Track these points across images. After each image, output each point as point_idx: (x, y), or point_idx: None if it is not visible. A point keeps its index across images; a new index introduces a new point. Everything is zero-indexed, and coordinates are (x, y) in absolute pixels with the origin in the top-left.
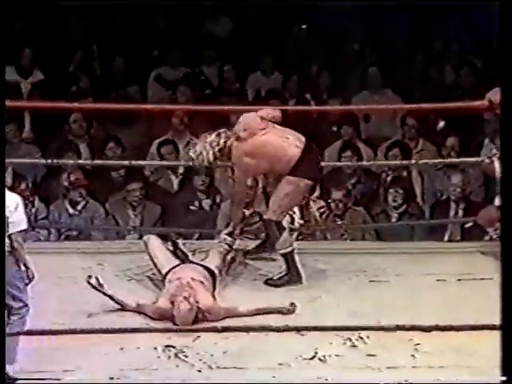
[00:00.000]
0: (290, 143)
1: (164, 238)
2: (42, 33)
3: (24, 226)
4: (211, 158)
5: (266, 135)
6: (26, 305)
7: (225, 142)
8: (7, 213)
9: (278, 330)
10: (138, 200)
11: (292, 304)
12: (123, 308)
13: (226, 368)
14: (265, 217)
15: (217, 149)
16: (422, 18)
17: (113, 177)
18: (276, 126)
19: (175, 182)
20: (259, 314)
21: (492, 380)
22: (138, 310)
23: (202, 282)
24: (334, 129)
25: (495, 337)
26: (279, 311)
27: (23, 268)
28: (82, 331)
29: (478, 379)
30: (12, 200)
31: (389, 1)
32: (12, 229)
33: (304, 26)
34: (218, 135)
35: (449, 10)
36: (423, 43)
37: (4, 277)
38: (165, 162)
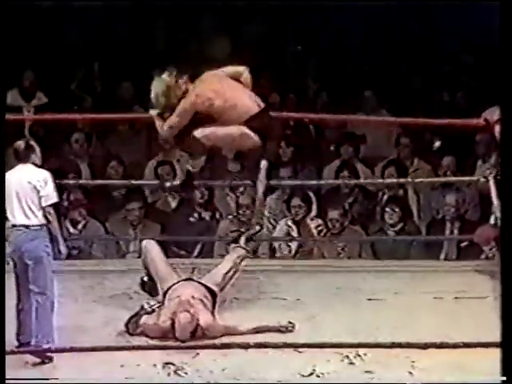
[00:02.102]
0: (252, 99)
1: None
2: (43, 52)
3: (55, 199)
4: (160, 99)
5: (230, 82)
6: (51, 282)
7: (181, 84)
8: (38, 187)
9: (276, 346)
10: (138, 219)
11: (290, 322)
12: (128, 331)
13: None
14: (195, 133)
15: (167, 90)
16: (420, 35)
17: (113, 196)
18: (241, 85)
19: (173, 203)
20: (258, 333)
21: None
22: (141, 331)
23: (201, 301)
24: (332, 148)
25: (492, 354)
26: (278, 329)
27: (49, 244)
28: (82, 349)
29: None
30: (41, 175)
31: (386, 11)
32: (44, 202)
33: (299, 47)
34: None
35: (446, 27)
36: (420, 63)
37: (4, 277)
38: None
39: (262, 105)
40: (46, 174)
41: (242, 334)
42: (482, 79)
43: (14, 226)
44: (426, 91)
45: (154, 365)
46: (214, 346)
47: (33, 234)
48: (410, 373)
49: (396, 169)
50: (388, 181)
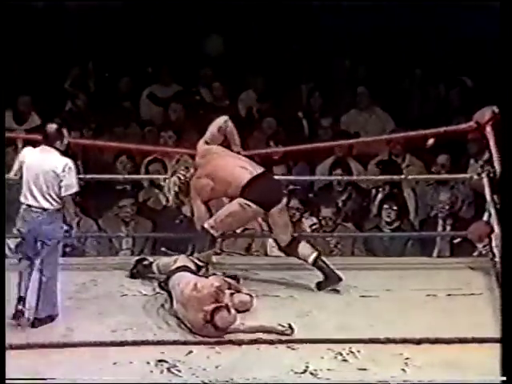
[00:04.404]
0: (244, 168)
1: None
2: (37, 52)
3: (75, 188)
4: (171, 197)
5: (220, 160)
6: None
7: (184, 179)
8: (61, 176)
9: (269, 342)
10: (130, 216)
11: (290, 326)
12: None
13: (218, 382)
14: (204, 225)
15: (177, 188)
16: (414, 34)
17: (106, 193)
18: (235, 154)
19: (163, 200)
20: (257, 332)
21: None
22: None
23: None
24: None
25: (485, 351)
26: (277, 332)
27: (66, 226)
28: (75, 345)
29: None
30: (66, 164)
31: (380, 16)
32: (64, 192)
33: (294, 46)
34: (178, 175)
35: (441, 26)
36: (414, 61)
37: (4, 277)
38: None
39: (256, 171)
40: (70, 164)
41: (241, 332)
42: (477, 77)
43: (29, 206)
44: (420, 88)
45: (147, 362)
46: (208, 343)
47: (51, 218)
48: (404, 370)
49: (390, 168)
50: (381, 177)
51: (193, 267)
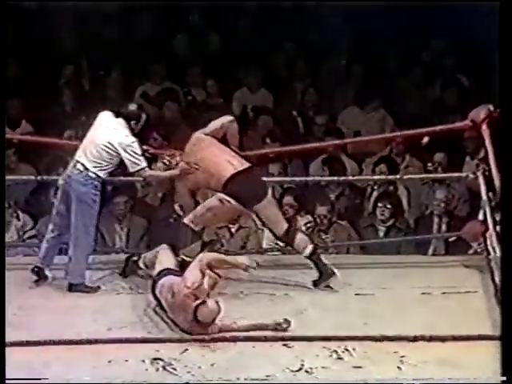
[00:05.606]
0: (229, 163)
1: None
2: (32, 47)
3: (141, 165)
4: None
5: (208, 150)
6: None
7: (169, 164)
8: (122, 153)
9: (264, 339)
10: (124, 213)
11: (286, 320)
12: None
13: (213, 380)
14: (183, 220)
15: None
16: (410, 32)
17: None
18: (225, 147)
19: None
20: (252, 330)
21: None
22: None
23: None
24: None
25: (480, 348)
26: (273, 328)
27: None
28: (71, 342)
29: None
30: (123, 141)
31: (377, 14)
32: (131, 168)
33: (291, 44)
34: (164, 161)
35: (438, 26)
36: (410, 58)
37: (4, 276)
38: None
39: (242, 166)
40: (131, 143)
41: (236, 331)
42: (475, 77)
43: (77, 161)
44: (417, 86)
45: (143, 360)
46: (203, 340)
47: (86, 179)
48: (399, 368)
49: (387, 166)
50: (376, 177)
51: (173, 263)
